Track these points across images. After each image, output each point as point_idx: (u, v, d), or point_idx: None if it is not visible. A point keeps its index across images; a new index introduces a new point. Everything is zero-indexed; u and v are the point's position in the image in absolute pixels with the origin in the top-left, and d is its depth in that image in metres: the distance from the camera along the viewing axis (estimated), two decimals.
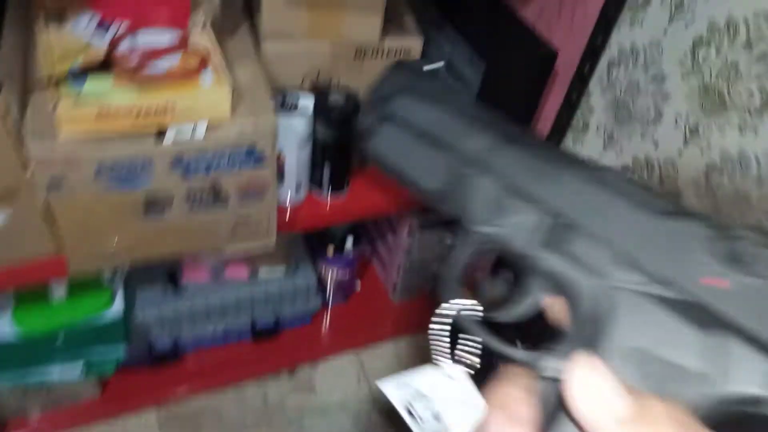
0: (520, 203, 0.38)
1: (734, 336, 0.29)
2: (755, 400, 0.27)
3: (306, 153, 1.10)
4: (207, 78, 0.88)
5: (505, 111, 0.43)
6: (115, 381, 1.34)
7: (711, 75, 0.94)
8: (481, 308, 0.38)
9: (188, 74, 0.88)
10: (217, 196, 0.92)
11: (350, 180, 1.19)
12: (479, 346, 0.37)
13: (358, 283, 1.65)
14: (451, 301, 0.38)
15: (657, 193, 0.36)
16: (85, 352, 1.17)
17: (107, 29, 0.91)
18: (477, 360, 0.37)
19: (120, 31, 0.92)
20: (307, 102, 1.05)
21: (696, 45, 0.96)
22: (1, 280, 0.91)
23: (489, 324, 0.37)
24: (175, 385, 1.39)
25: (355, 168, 1.17)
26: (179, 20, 0.98)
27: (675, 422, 0.25)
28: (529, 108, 1.23)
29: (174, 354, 1.40)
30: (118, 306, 1.17)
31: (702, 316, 0.29)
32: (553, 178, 0.38)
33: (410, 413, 0.38)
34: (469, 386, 0.38)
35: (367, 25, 1.04)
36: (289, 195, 1.14)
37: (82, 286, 1.14)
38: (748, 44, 0.87)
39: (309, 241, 1.50)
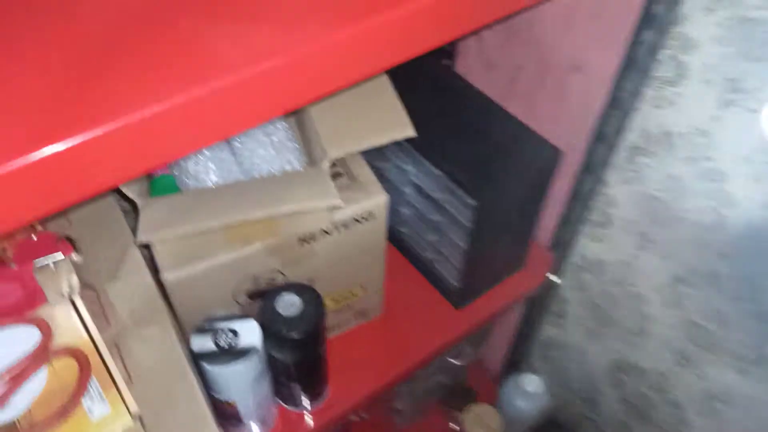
0: None
1: None
2: None
3: (264, 386, 0.79)
4: (93, 401, 0.56)
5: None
6: None
7: None
8: None
9: (62, 411, 0.56)
10: None
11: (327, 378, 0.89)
12: None
13: None
14: None
15: None
16: None
17: None
18: None
19: None
20: (246, 327, 0.73)
21: None
22: None
23: None
24: None
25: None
26: (28, 299, 0.63)
27: None
28: (532, 218, 0.94)
29: None
30: None
31: None
32: None
33: None
34: None
35: (311, 216, 0.71)
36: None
37: None
38: None
39: None
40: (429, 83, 0.95)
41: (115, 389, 0.58)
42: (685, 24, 0.71)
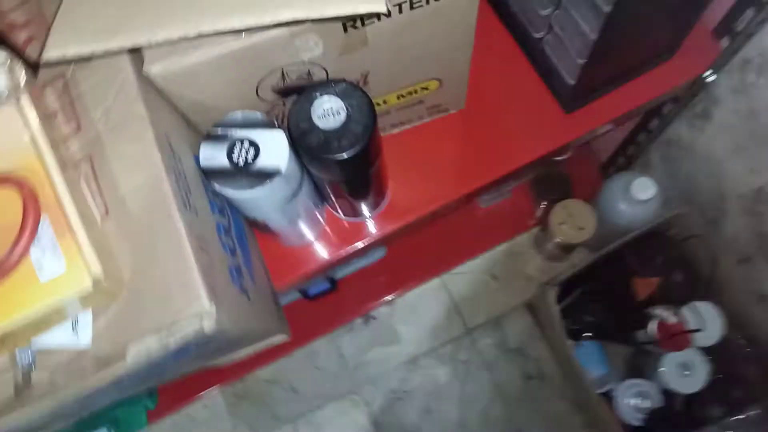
0: None
1: None
2: None
3: (299, 205, 0.63)
4: (44, 253, 0.43)
5: None
6: None
7: None
8: None
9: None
10: None
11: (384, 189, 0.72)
12: None
13: None
14: None
15: None
16: (111, 415, 0.94)
17: None
18: None
19: None
20: (270, 141, 0.55)
21: None
22: None
23: None
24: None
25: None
26: None
27: None
28: None
29: None
30: None
31: None
32: None
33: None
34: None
35: None
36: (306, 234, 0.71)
37: None
38: None
39: None
40: None
41: (71, 238, 0.42)
42: None
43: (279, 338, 0.67)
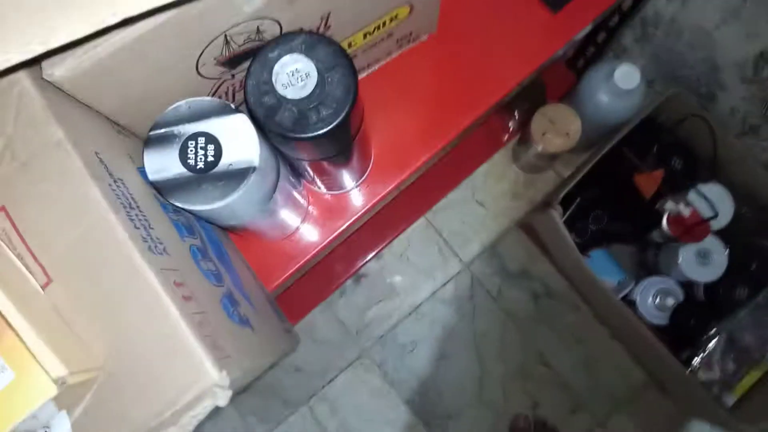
0: None
1: None
2: None
3: (283, 188, 0.52)
4: None
5: None
6: None
7: None
8: None
9: None
10: None
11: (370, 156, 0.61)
12: None
13: None
14: None
15: None
16: None
17: None
18: None
19: None
20: (231, 129, 0.43)
21: None
22: None
23: None
24: None
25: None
26: None
27: None
28: None
29: None
30: None
31: None
32: None
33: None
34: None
35: None
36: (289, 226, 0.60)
37: None
38: None
39: None
40: None
41: (13, 335, 0.30)
42: None
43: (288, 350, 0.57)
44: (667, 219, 0.94)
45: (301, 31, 0.44)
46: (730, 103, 0.90)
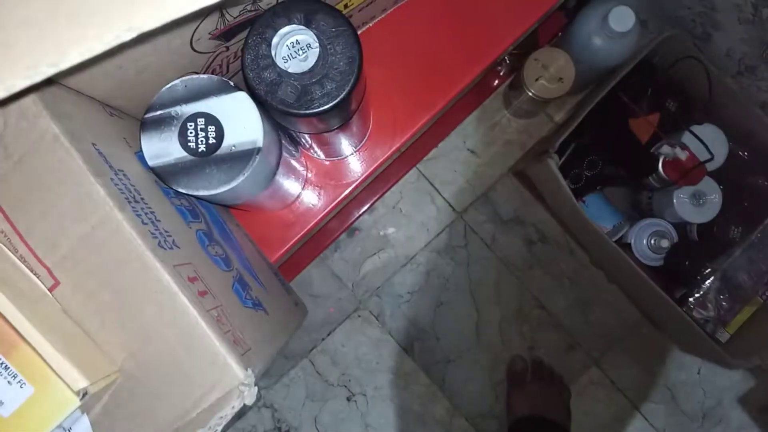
0: None
1: None
2: None
3: (285, 163, 0.50)
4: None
5: None
6: None
7: None
8: None
9: None
10: None
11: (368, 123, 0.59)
12: None
13: None
14: None
15: None
16: None
17: None
18: None
19: None
20: (231, 105, 0.41)
21: None
22: None
23: None
24: None
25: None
26: None
27: None
28: None
29: None
30: None
31: None
32: None
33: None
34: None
35: None
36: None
37: None
38: None
39: None
40: None
41: (27, 347, 0.29)
42: None
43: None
44: (663, 163, 0.94)
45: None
46: (727, 45, 0.88)
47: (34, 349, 0.30)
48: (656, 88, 0.98)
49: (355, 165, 0.62)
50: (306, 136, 0.51)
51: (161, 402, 0.33)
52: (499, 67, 1.19)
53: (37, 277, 0.34)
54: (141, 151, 0.41)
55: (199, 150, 0.40)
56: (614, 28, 0.91)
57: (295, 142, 0.56)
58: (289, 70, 0.40)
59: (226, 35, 0.42)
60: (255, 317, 0.41)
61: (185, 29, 0.38)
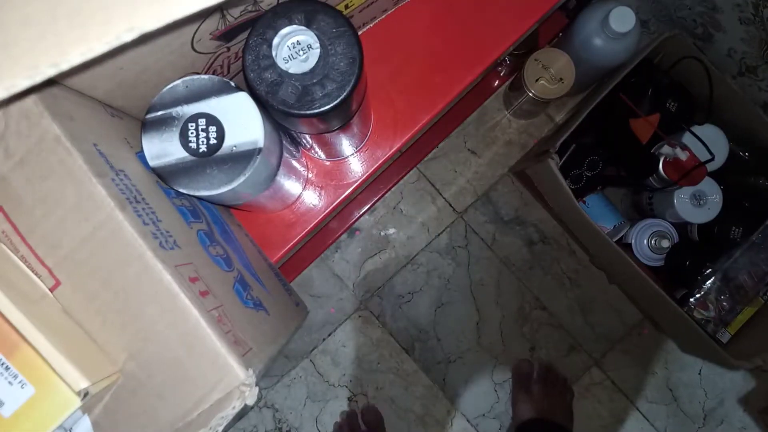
0: None
1: None
2: None
3: (286, 163, 0.50)
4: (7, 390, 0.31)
5: None
6: None
7: None
8: None
9: None
10: None
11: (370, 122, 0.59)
12: None
13: None
14: None
15: None
16: None
17: None
18: None
19: None
20: (232, 106, 0.42)
21: None
22: None
23: None
24: None
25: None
26: None
27: None
28: None
29: None
30: None
31: None
32: None
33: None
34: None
35: None
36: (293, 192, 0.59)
37: None
38: None
39: None
40: None
41: (27, 347, 0.29)
42: None
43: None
44: (664, 163, 0.94)
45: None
46: (728, 45, 0.89)
47: (34, 349, 0.30)
48: (657, 89, 0.98)
49: (356, 165, 0.62)
50: (307, 136, 0.51)
51: (162, 402, 0.33)
52: (500, 68, 1.19)
53: (38, 278, 0.34)
54: (142, 151, 0.41)
55: (200, 150, 0.40)
56: (615, 29, 0.91)
57: (296, 143, 0.56)
58: (290, 71, 0.40)
59: (227, 36, 0.42)
60: (256, 317, 0.41)
61: (186, 30, 0.38)
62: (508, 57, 1.16)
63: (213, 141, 0.41)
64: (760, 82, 0.89)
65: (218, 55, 0.45)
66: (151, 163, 0.40)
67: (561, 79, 1.02)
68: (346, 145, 0.58)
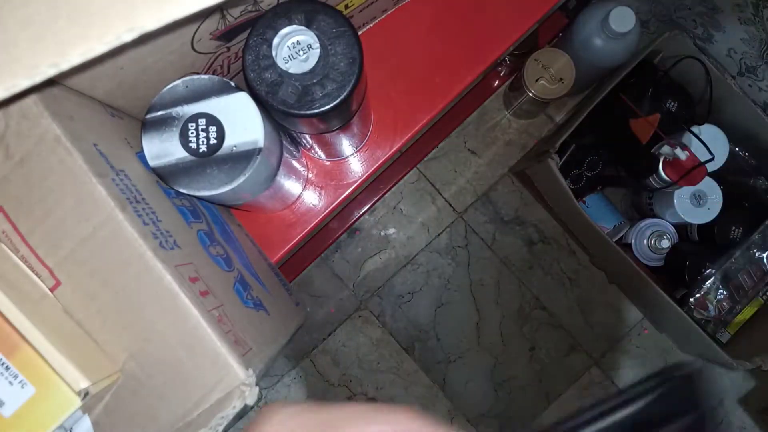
0: None
1: None
2: None
3: (286, 163, 0.50)
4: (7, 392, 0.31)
5: None
6: None
7: None
8: None
9: None
10: None
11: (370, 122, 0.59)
12: None
13: None
14: None
15: None
16: None
17: None
18: None
19: None
20: (232, 106, 0.42)
21: None
22: None
23: None
24: None
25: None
26: None
27: None
28: None
29: None
30: None
31: None
32: None
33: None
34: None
35: None
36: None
37: None
38: None
39: None
40: None
41: (28, 347, 0.29)
42: None
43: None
44: (663, 163, 0.94)
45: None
46: (728, 45, 0.89)
47: (35, 349, 0.30)
48: (657, 89, 0.98)
49: (356, 165, 0.62)
50: (307, 136, 0.51)
51: (163, 402, 0.33)
52: (500, 68, 1.19)
53: (39, 278, 0.34)
54: (142, 151, 0.41)
55: (200, 150, 0.40)
56: (615, 29, 0.91)
57: (296, 143, 0.56)
58: (290, 71, 0.40)
59: (227, 36, 0.42)
60: (256, 317, 0.41)
61: (186, 30, 0.38)
62: (508, 57, 1.16)
63: (213, 141, 0.41)
64: (760, 82, 0.89)
65: (218, 55, 0.45)
66: (151, 163, 0.40)
67: (561, 79, 1.02)
68: (346, 145, 0.58)
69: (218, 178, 0.40)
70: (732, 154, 0.98)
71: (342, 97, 0.41)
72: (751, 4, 0.78)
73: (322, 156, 0.61)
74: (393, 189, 1.22)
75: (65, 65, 0.20)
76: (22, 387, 0.30)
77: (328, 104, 0.40)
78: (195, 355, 0.32)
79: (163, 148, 0.40)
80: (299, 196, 0.61)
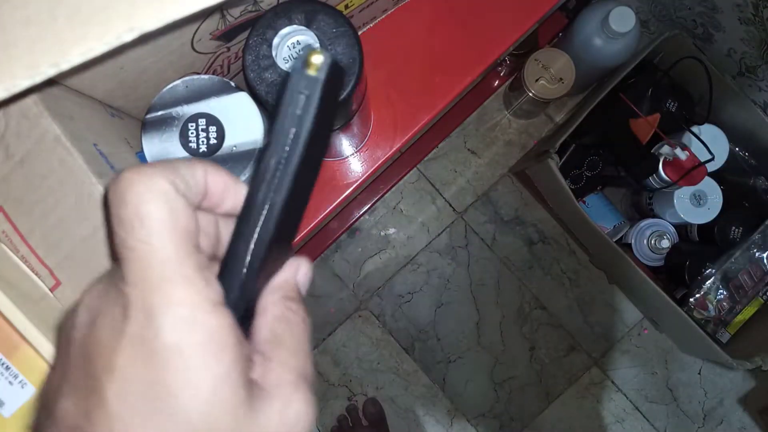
0: None
1: None
2: None
3: None
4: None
5: None
6: None
7: None
8: None
9: None
10: None
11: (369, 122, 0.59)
12: None
13: None
14: None
15: None
16: None
17: None
18: None
19: None
20: (232, 106, 0.42)
21: None
22: None
23: None
24: None
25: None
26: None
27: None
28: None
29: None
30: None
31: None
32: None
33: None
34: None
35: None
36: None
37: None
38: None
39: None
40: None
41: (27, 347, 0.29)
42: None
43: None
44: (663, 164, 0.94)
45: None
46: (728, 45, 0.89)
47: (35, 349, 0.30)
48: (657, 89, 0.98)
49: (356, 165, 0.62)
50: None
51: None
52: (500, 68, 1.19)
53: (39, 278, 0.34)
54: (142, 151, 0.41)
55: (200, 150, 0.40)
56: (615, 29, 0.91)
57: None
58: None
59: (227, 36, 0.42)
60: None
61: (186, 30, 0.38)
62: (508, 57, 1.16)
63: (213, 141, 0.41)
64: (760, 82, 0.89)
65: (218, 55, 0.45)
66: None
67: (561, 79, 1.02)
68: (346, 145, 0.58)
69: None
70: (732, 154, 0.98)
71: (342, 97, 0.41)
72: (751, 4, 0.78)
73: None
74: (393, 189, 1.22)
75: (65, 65, 0.20)
76: (22, 387, 0.30)
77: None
78: None
79: (163, 148, 0.40)
80: None
